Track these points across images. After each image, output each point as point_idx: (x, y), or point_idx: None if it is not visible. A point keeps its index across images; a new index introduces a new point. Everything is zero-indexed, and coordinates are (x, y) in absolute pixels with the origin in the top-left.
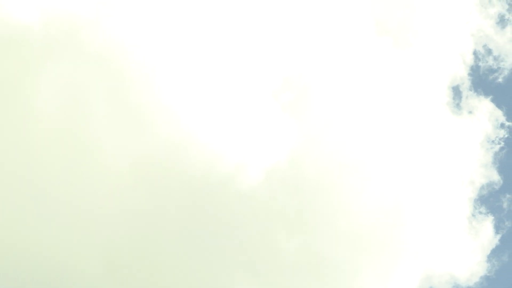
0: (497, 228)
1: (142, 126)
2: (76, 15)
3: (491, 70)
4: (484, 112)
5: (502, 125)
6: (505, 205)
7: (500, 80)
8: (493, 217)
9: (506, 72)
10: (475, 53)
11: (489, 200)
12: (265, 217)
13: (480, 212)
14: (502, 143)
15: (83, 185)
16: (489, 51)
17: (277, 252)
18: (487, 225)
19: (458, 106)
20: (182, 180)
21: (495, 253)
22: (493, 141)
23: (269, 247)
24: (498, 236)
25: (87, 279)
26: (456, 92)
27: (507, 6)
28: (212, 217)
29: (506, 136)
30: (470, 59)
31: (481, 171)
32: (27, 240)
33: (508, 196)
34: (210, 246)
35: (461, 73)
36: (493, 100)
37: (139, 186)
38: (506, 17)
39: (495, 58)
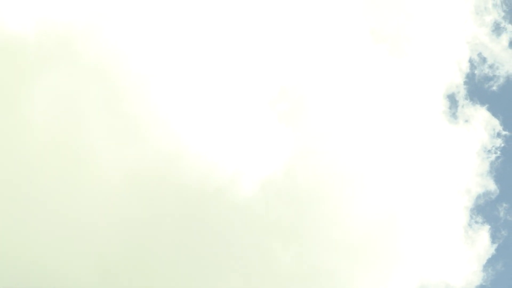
0: (493, 237)
1: (137, 136)
2: (70, 26)
3: (487, 78)
4: (480, 121)
5: (498, 134)
6: (501, 214)
7: (496, 88)
8: (489, 226)
9: (501, 80)
10: (470, 61)
11: (486, 210)
12: (261, 228)
13: (476, 222)
14: (499, 153)
15: (78, 194)
16: (484, 59)
17: (273, 262)
18: (483, 234)
19: (454, 115)
20: (177, 190)
21: (491, 263)
22: (489, 151)
23: (265, 257)
24: (495, 246)
25: None
26: (452, 100)
27: (503, 14)
28: (207, 228)
29: (503, 145)
30: (465, 67)
31: (477, 180)
32: (21, 249)
33: (504, 205)
34: (205, 257)
35: (457, 81)
36: (489, 109)
37: (133, 196)
38: (502, 25)
39: (491, 66)
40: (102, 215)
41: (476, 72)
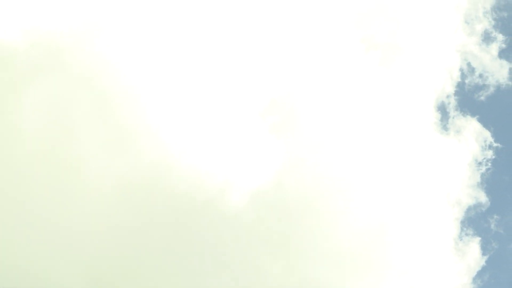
0: (484, 249)
1: (127, 145)
2: (60, 35)
3: (477, 88)
4: (472, 132)
5: (490, 146)
6: (492, 226)
7: (485, 98)
8: (480, 238)
9: (491, 89)
10: (461, 69)
11: (476, 221)
12: (250, 239)
13: (467, 234)
14: (489, 165)
15: (68, 203)
16: (474, 69)
17: (262, 274)
18: (474, 246)
19: (445, 127)
20: (167, 200)
21: (480, 275)
22: (480, 163)
23: (254, 268)
24: (485, 258)
25: None
26: (443, 111)
27: (493, 23)
28: (196, 238)
29: (494, 157)
30: (456, 76)
31: (468, 192)
32: (12, 256)
33: (495, 217)
34: (194, 267)
35: (447, 90)
36: (480, 120)
37: (124, 205)
38: (492, 34)
39: (481, 75)
40: (92, 223)
41: (466, 81)
